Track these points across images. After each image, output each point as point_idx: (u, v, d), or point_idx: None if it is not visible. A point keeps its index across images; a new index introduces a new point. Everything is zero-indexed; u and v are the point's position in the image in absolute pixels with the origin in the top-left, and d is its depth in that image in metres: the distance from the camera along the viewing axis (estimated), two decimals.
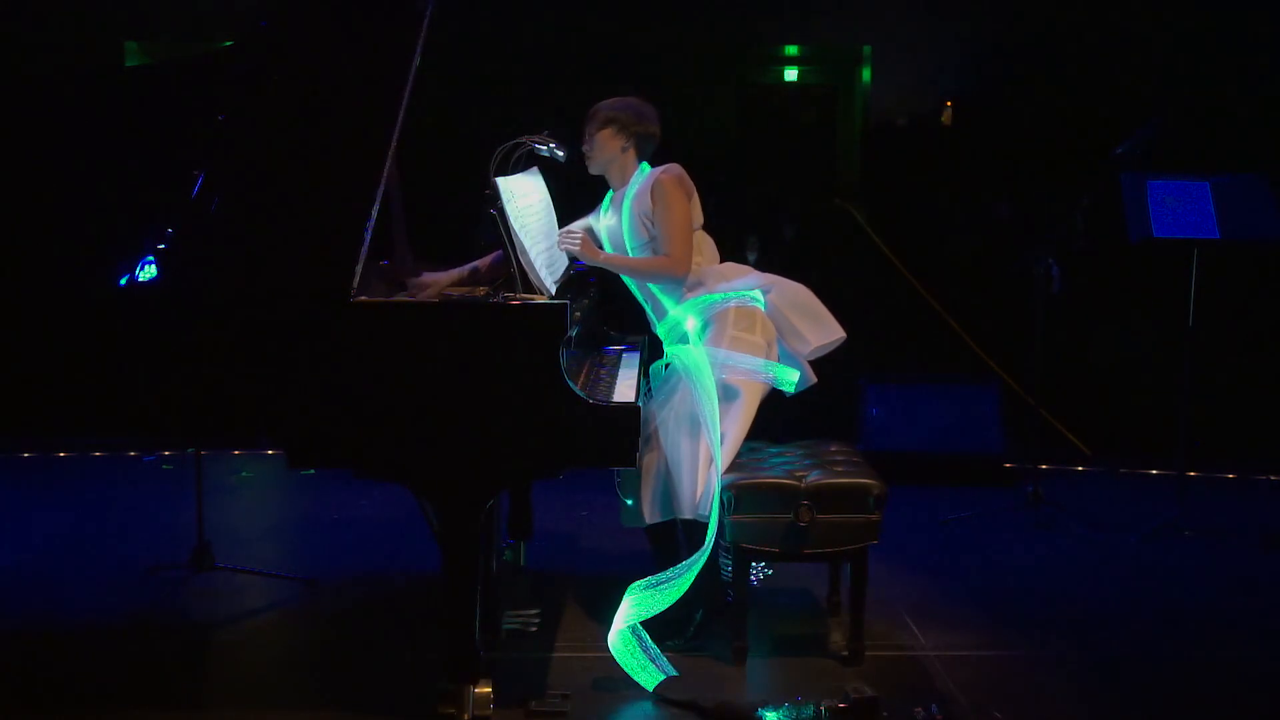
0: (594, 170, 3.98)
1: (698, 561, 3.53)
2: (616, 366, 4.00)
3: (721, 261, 4.01)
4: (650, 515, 3.76)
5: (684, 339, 3.86)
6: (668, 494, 3.71)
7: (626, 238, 3.91)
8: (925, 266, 6.95)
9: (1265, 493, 6.10)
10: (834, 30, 8.95)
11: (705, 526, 3.58)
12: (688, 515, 3.69)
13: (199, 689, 3.57)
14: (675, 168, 3.89)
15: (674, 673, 3.46)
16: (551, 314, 3.16)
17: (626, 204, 3.89)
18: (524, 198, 3.79)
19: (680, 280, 3.85)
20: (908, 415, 6.06)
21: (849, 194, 8.14)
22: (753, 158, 9.11)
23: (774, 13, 8.76)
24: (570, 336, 3.28)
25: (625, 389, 3.66)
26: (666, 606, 3.53)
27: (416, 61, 3.31)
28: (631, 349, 4.28)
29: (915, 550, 4.91)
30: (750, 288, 3.89)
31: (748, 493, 3.58)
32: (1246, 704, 3.55)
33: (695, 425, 3.68)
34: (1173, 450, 5.31)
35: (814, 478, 3.66)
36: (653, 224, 3.82)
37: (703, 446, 3.67)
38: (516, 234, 3.48)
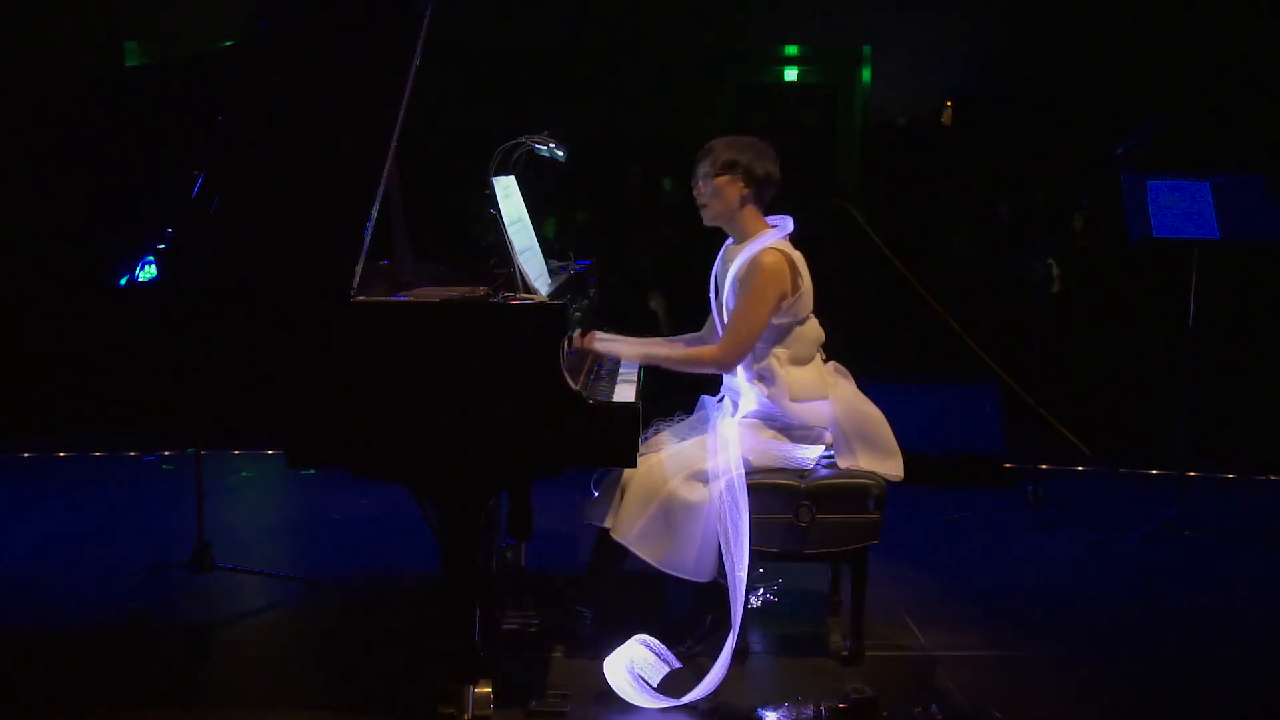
0: (710, 222, 3.71)
1: (711, 679, 3.36)
2: (616, 366, 4.00)
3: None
4: (599, 516, 3.62)
5: (734, 405, 3.75)
6: (612, 500, 3.56)
7: (728, 294, 3.68)
8: (925, 266, 6.95)
9: (1265, 493, 6.10)
10: (834, 30, 8.96)
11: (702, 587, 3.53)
12: (618, 539, 3.51)
13: (199, 689, 3.56)
14: (786, 254, 3.59)
15: (674, 701, 3.39)
16: (551, 314, 3.16)
17: (734, 267, 3.63)
18: (515, 197, 3.79)
19: (723, 371, 3.63)
20: (908, 415, 6.04)
21: (849, 194, 8.14)
22: None
23: (774, 13, 8.77)
24: (570, 336, 3.28)
25: (625, 389, 3.65)
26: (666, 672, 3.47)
27: (416, 61, 3.30)
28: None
29: (915, 550, 4.91)
30: (819, 422, 3.66)
31: (749, 493, 3.57)
32: (1247, 704, 3.55)
33: (692, 474, 3.54)
34: (1173, 450, 5.31)
35: (814, 478, 3.66)
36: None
37: (684, 500, 3.49)
38: (509, 235, 3.48)
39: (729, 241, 3.79)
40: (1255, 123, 7.63)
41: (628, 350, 3.72)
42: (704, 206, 3.71)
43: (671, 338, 4.02)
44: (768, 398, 3.66)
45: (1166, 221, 5.01)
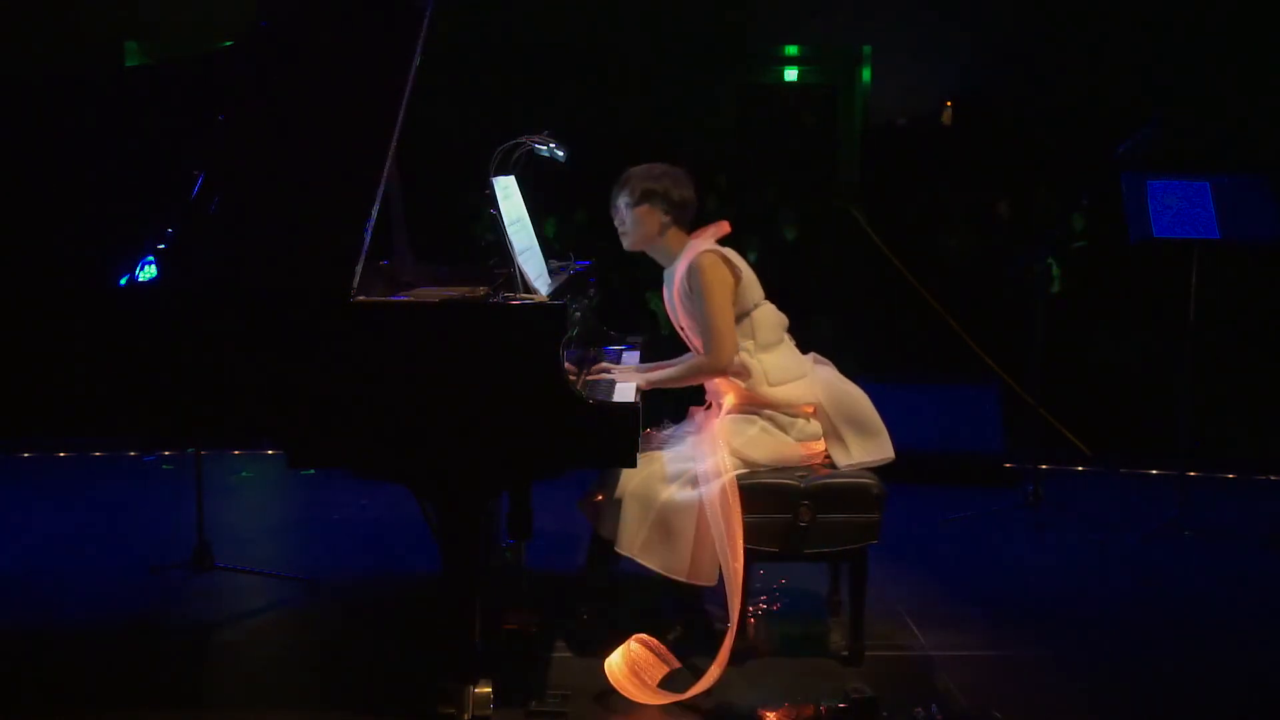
0: (630, 248, 3.79)
1: (708, 677, 3.37)
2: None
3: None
4: (596, 521, 3.66)
5: (719, 407, 3.79)
6: (613, 516, 3.55)
7: (683, 319, 3.76)
8: (925, 266, 6.96)
9: (1265, 493, 6.10)
10: (834, 30, 8.97)
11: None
12: (623, 553, 3.52)
13: (199, 689, 3.57)
14: (715, 250, 3.66)
15: (675, 698, 3.39)
16: (551, 314, 3.16)
17: (672, 285, 3.73)
18: (515, 197, 3.79)
19: (722, 372, 3.66)
20: (908, 415, 6.06)
21: (849, 194, 8.15)
22: (753, 158, 9.11)
23: (774, 13, 8.77)
24: (570, 336, 3.28)
25: (625, 389, 3.65)
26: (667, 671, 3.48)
27: (416, 61, 3.30)
28: (631, 349, 4.28)
29: (915, 550, 4.91)
30: (802, 401, 3.70)
31: (748, 493, 3.57)
32: (1246, 704, 3.55)
33: (686, 480, 3.55)
34: (1173, 450, 5.31)
35: (814, 478, 3.66)
36: (695, 310, 3.65)
37: (680, 507, 3.50)
38: (509, 236, 3.48)
39: (666, 269, 3.84)
40: (1255, 123, 7.63)
41: (631, 378, 3.75)
42: (624, 234, 3.78)
43: (667, 362, 4.04)
44: (747, 388, 3.70)
45: (1166, 221, 5.01)
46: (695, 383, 3.80)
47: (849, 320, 6.91)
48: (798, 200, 7.92)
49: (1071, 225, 6.96)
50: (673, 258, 3.77)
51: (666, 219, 3.72)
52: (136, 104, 3.50)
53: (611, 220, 3.82)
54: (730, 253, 3.73)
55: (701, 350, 3.71)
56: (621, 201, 3.75)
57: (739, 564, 3.46)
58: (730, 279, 3.65)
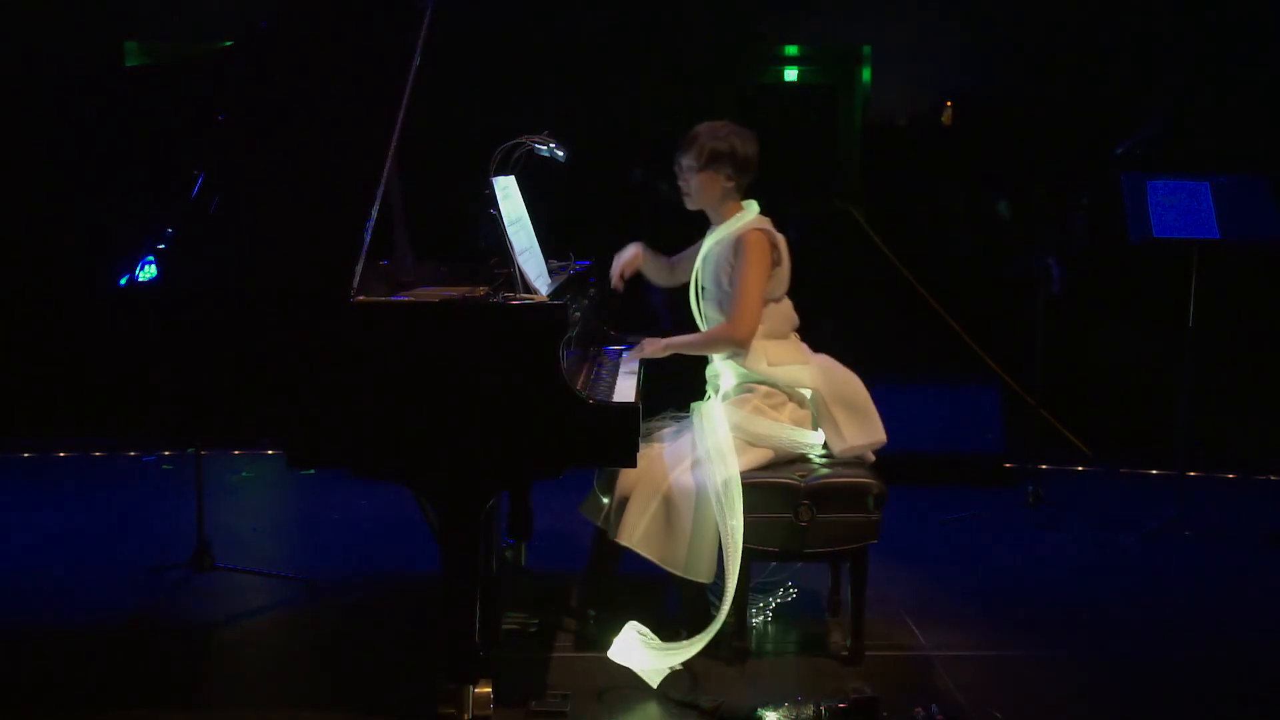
0: (692, 208, 3.88)
1: (707, 633, 3.44)
2: (617, 366, 4.00)
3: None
4: (598, 516, 3.71)
5: (716, 390, 3.86)
6: (619, 514, 3.58)
7: (708, 279, 3.84)
8: (925, 266, 6.96)
9: (1265, 493, 6.10)
10: (834, 30, 8.96)
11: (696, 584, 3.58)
12: (623, 543, 3.54)
13: (199, 689, 3.57)
14: (768, 232, 3.76)
15: (687, 654, 3.45)
16: (551, 314, 3.16)
17: (712, 245, 3.81)
18: (515, 197, 3.79)
19: (740, 345, 3.73)
20: (908, 415, 6.06)
21: (849, 194, 8.14)
22: None
23: (774, 13, 8.77)
24: (570, 336, 3.28)
25: (625, 389, 3.65)
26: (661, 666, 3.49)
27: (416, 61, 3.30)
28: (631, 348, 4.28)
29: (915, 550, 4.92)
30: (798, 383, 3.79)
31: (748, 492, 3.58)
32: (1246, 704, 3.56)
33: (687, 466, 3.59)
34: (1173, 450, 5.31)
35: (814, 477, 3.66)
36: (727, 280, 3.74)
37: (682, 492, 3.55)
38: (509, 236, 3.48)
39: (711, 227, 3.90)
40: (1255, 123, 7.62)
41: (653, 349, 3.86)
42: (687, 195, 3.85)
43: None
44: (744, 365, 3.76)
45: (1166, 221, 5.01)
46: (713, 351, 3.84)
47: (849, 320, 6.90)
48: (798, 200, 7.91)
49: (1072, 225, 6.96)
50: (722, 218, 3.83)
51: (729, 184, 3.78)
52: (136, 104, 3.50)
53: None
54: (780, 240, 3.82)
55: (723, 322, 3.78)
56: (686, 163, 3.80)
57: (737, 520, 3.49)
58: (770, 263, 3.74)
